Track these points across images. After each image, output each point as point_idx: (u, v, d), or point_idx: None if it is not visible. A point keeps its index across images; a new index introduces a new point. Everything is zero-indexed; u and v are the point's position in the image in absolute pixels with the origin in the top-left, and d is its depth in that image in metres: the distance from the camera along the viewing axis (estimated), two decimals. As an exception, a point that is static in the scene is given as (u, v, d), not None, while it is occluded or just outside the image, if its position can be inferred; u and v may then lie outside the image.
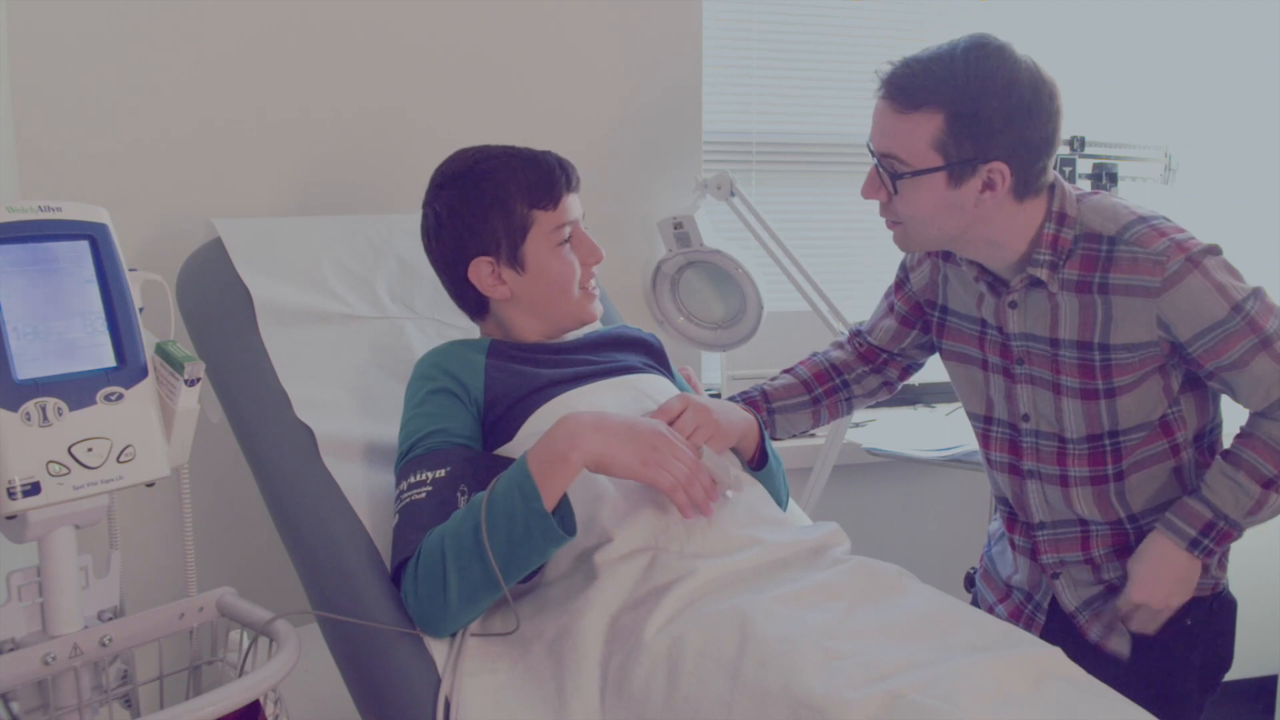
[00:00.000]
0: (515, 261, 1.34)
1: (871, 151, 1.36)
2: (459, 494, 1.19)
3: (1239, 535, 1.35)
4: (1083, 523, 1.46)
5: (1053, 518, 1.48)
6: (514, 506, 1.09)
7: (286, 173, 1.87)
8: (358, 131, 1.90)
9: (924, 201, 1.32)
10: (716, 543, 1.18)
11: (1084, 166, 2.12)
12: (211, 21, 1.79)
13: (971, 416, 1.56)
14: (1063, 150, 2.12)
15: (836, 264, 2.31)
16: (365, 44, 1.88)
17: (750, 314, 2.05)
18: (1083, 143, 2.13)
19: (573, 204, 1.37)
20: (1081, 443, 1.41)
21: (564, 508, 1.12)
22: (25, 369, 0.96)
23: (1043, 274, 1.36)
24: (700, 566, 1.12)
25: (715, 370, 2.26)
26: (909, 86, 1.29)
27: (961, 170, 1.30)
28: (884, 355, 1.65)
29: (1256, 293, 1.31)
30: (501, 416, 1.29)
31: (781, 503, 1.42)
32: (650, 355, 1.47)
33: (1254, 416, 1.34)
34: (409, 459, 1.23)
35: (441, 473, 1.20)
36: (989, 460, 1.55)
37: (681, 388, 1.49)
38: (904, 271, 1.62)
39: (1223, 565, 1.48)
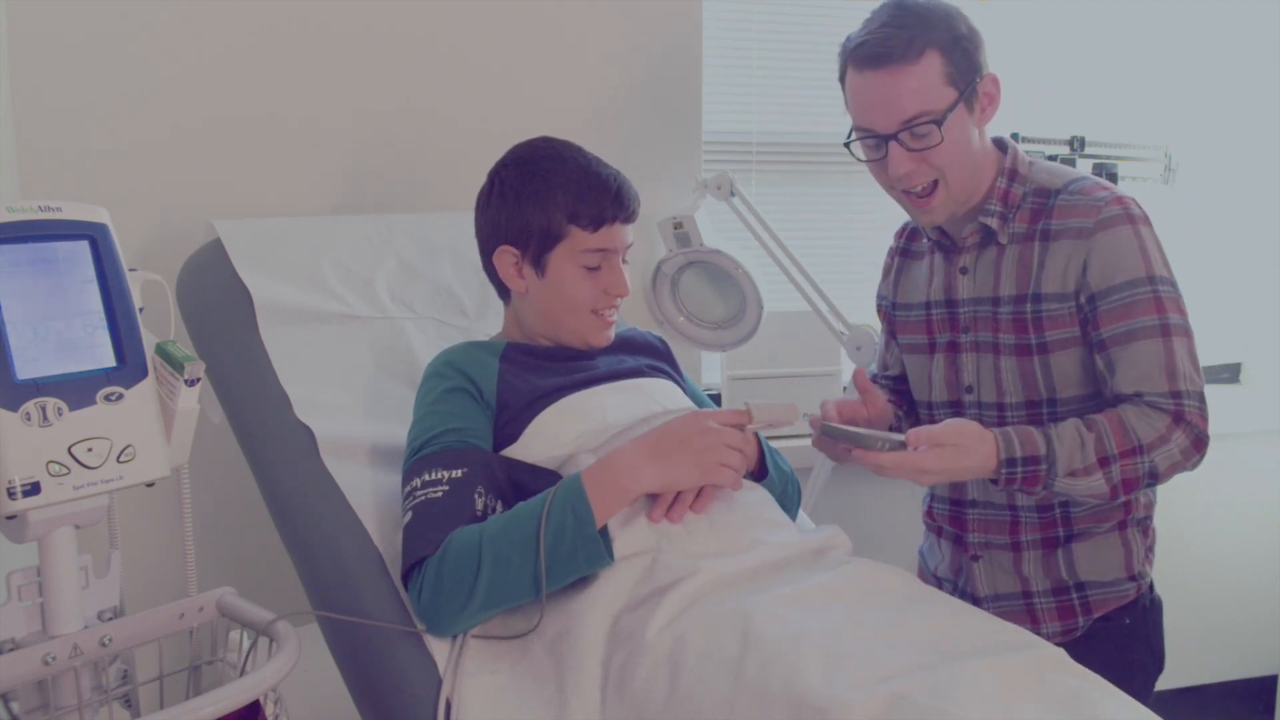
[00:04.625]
0: (538, 264, 1.34)
1: (882, 136, 1.36)
2: (476, 495, 1.19)
3: (1043, 488, 1.29)
4: (1013, 508, 1.49)
5: (986, 497, 1.51)
6: (565, 525, 1.12)
7: (287, 173, 1.87)
8: (357, 132, 1.90)
9: (960, 139, 1.36)
10: (718, 543, 1.18)
11: (1084, 166, 2.12)
12: (211, 22, 1.79)
13: (918, 405, 1.59)
14: (1062, 150, 2.12)
15: (836, 264, 2.31)
16: (364, 45, 1.88)
17: (750, 314, 2.05)
18: (1083, 143, 2.14)
19: (616, 234, 1.33)
20: (1019, 409, 1.43)
21: (604, 530, 1.15)
22: (25, 369, 0.96)
23: (993, 222, 1.41)
24: (702, 567, 1.12)
25: (715, 370, 2.26)
26: (901, 43, 1.32)
27: (969, 94, 1.36)
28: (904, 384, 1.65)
29: (1174, 284, 1.34)
30: (511, 420, 1.29)
31: (791, 514, 1.41)
32: (657, 357, 1.48)
33: (1121, 398, 1.32)
34: (422, 455, 1.22)
35: (459, 473, 1.20)
36: None
37: (691, 391, 1.49)
38: (879, 294, 1.68)
39: (1149, 559, 1.50)
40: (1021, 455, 1.27)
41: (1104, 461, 1.28)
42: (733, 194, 2.01)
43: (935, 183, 1.38)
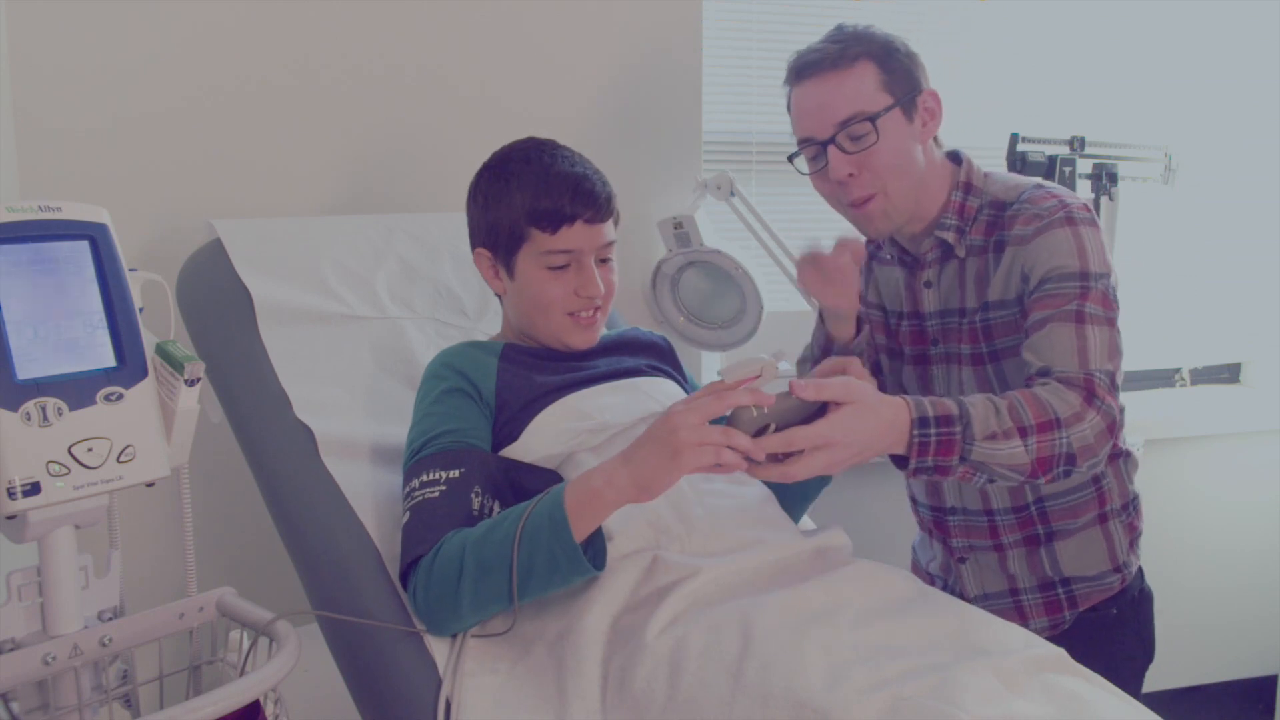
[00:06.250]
0: (508, 266, 1.35)
1: (820, 143, 1.38)
2: (473, 495, 1.19)
3: (959, 459, 1.17)
4: (989, 513, 1.50)
5: (963, 504, 1.53)
6: (540, 532, 1.09)
7: (287, 173, 1.87)
8: (357, 132, 1.90)
9: (898, 143, 1.37)
10: (718, 542, 1.18)
11: (1084, 166, 2.12)
12: (213, 21, 1.79)
13: None
14: (1062, 150, 2.11)
15: (836, 264, 2.31)
16: (366, 45, 1.88)
17: (750, 314, 2.05)
18: (1083, 143, 2.13)
19: (579, 234, 1.29)
20: None
21: (597, 541, 1.13)
22: (25, 369, 0.96)
23: (950, 237, 1.42)
24: (703, 566, 1.12)
25: (716, 370, 2.26)
26: (834, 53, 1.36)
27: (908, 104, 1.38)
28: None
29: (1109, 281, 1.31)
30: (510, 419, 1.29)
31: (805, 504, 1.42)
32: (659, 358, 1.47)
33: (1030, 380, 1.29)
34: (421, 456, 1.22)
35: (456, 473, 1.20)
36: None
37: (694, 389, 1.49)
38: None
39: (1134, 550, 1.51)
40: (934, 415, 1.16)
41: (1022, 431, 1.19)
42: (733, 194, 2.01)
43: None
